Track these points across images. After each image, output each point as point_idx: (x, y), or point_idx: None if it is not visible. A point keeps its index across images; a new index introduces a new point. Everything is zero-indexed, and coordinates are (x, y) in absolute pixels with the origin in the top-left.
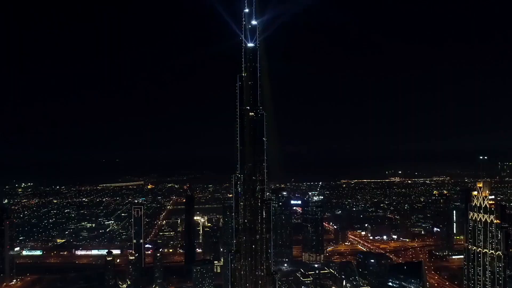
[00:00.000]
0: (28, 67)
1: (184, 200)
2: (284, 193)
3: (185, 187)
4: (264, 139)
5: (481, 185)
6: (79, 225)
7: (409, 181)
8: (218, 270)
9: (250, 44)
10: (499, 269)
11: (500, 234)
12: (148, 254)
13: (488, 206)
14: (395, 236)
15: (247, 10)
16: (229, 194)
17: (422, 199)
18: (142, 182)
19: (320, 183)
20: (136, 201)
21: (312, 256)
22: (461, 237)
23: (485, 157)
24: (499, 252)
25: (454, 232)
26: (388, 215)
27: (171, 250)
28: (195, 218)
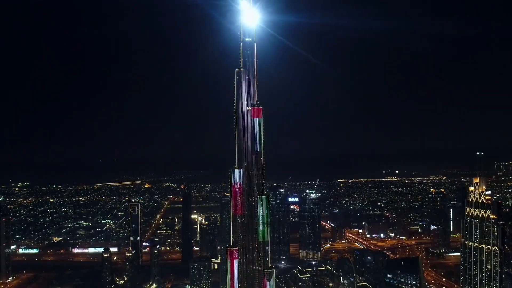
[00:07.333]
0: (26, 67)
1: (181, 199)
2: (282, 190)
3: (182, 186)
4: (261, 133)
5: (477, 180)
6: (76, 224)
7: (406, 181)
8: (215, 267)
9: (248, 39)
10: (495, 264)
11: (496, 229)
12: (145, 252)
13: (484, 201)
14: (392, 234)
15: (244, 4)
16: (226, 194)
17: (419, 198)
18: (139, 181)
19: (317, 182)
20: (133, 200)
21: (309, 254)
22: (458, 235)
23: (482, 153)
24: (496, 247)
25: (451, 230)
26: (385, 214)
27: (168, 248)
28: (192, 216)
